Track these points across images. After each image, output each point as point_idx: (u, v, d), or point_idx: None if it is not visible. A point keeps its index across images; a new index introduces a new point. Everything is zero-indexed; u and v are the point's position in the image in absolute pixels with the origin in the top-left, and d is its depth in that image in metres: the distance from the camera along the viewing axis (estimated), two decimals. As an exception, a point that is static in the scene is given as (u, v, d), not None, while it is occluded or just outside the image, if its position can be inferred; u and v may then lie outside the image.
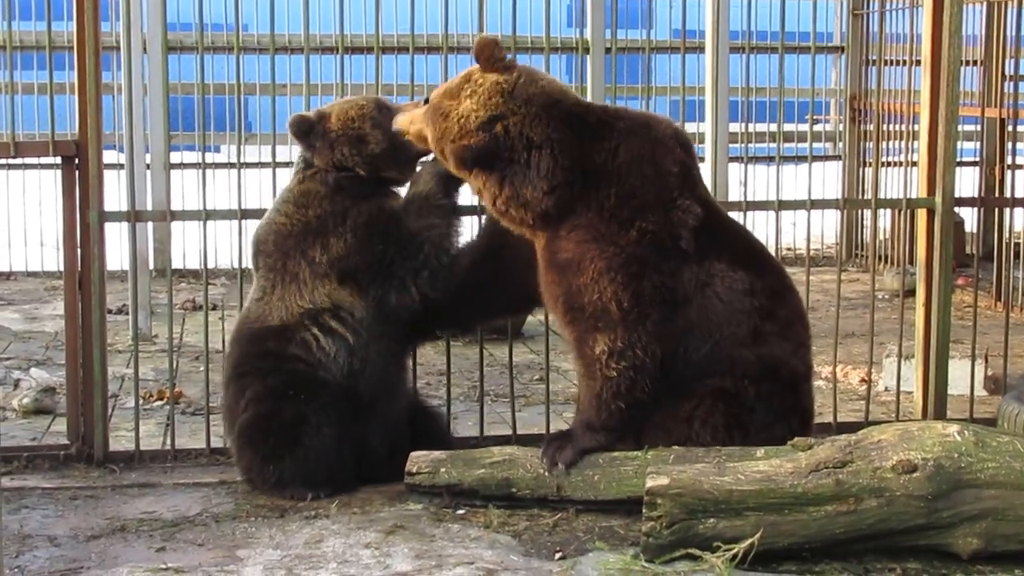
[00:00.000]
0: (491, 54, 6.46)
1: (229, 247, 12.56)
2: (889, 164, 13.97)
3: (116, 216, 7.45)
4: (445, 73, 7.87)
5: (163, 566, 5.87)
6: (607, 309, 6.32)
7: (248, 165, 10.11)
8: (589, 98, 10.80)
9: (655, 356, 6.36)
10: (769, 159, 15.11)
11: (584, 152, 6.40)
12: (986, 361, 8.85)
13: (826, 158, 16.11)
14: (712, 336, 6.41)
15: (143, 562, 5.93)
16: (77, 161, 7.21)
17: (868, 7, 14.62)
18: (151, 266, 11.69)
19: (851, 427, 7.04)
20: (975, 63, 13.88)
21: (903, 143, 13.18)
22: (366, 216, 6.77)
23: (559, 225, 6.42)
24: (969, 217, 13.37)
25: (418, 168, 6.99)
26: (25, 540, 6.21)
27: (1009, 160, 12.59)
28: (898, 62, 13.63)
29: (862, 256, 14.61)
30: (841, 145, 15.36)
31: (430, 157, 6.85)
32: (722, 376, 6.39)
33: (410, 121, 6.67)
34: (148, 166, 11.71)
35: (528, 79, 6.47)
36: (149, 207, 10.98)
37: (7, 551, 5.91)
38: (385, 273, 6.76)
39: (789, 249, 14.19)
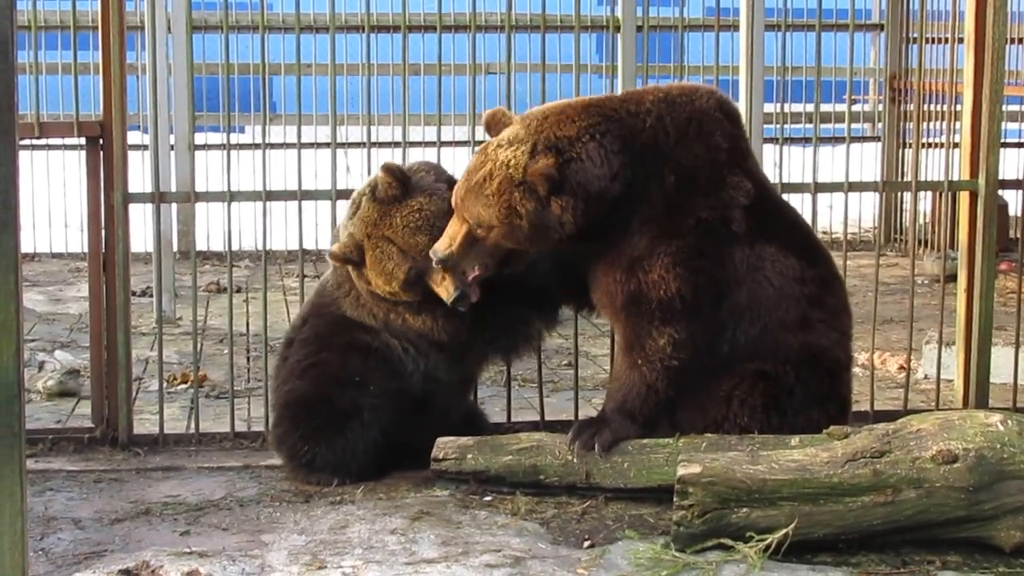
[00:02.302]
0: (501, 118, 6.37)
1: (253, 229, 12.55)
2: (930, 145, 13.86)
3: (140, 197, 7.42)
4: (473, 52, 7.77)
5: (187, 550, 5.84)
6: (672, 303, 6.26)
7: (273, 146, 10.14)
8: (620, 78, 10.73)
9: (706, 342, 6.35)
10: (805, 140, 15.02)
11: (626, 129, 6.27)
12: (1030, 348, 8.73)
13: (864, 139, 16.05)
14: (761, 319, 6.37)
15: (167, 545, 5.91)
16: (101, 142, 7.19)
17: (909, -17, 14.50)
18: (175, 248, 11.72)
19: (889, 416, 6.95)
20: (1021, 41, 13.73)
21: (944, 124, 13.05)
22: (444, 309, 6.62)
23: (631, 217, 6.29)
24: (1013, 200, 13.25)
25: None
26: (50, 522, 6.22)
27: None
28: (940, 40, 13.52)
29: (901, 240, 14.53)
30: (880, 126, 15.29)
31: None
32: (763, 359, 6.35)
33: (450, 240, 6.34)
34: (172, 147, 11.71)
35: (530, 110, 6.42)
36: (173, 188, 10.99)
37: (32, 533, 5.89)
38: (467, 349, 6.82)
39: (826, 232, 14.07)
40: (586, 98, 6.44)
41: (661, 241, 6.25)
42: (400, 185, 6.58)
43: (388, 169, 6.60)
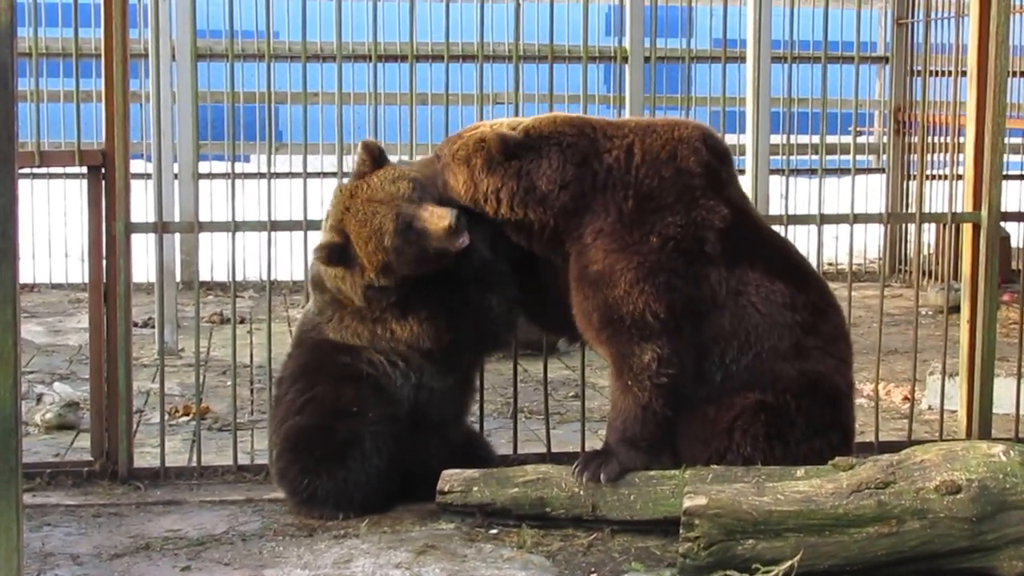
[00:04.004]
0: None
1: (258, 259, 12.53)
2: (934, 177, 13.90)
3: (143, 227, 7.43)
4: (480, 82, 7.78)
5: (188, 585, 5.83)
6: (643, 319, 6.30)
7: (278, 175, 10.12)
8: (627, 108, 10.77)
9: (693, 363, 6.36)
10: (811, 172, 15.06)
11: (594, 149, 6.47)
12: (1032, 379, 8.71)
13: (869, 171, 16.05)
14: (752, 348, 6.39)
15: (167, 581, 5.89)
16: (103, 171, 7.17)
17: (913, 16, 14.59)
18: (178, 278, 11.72)
19: (893, 446, 6.95)
20: (1023, 74, 13.75)
21: (948, 156, 13.10)
22: (427, 312, 6.64)
23: (581, 229, 6.43)
24: (1015, 232, 13.25)
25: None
26: (47, 558, 6.17)
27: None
28: (943, 73, 13.55)
29: (906, 271, 14.55)
30: (885, 158, 15.31)
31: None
32: (763, 390, 6.35)
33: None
34: (176, 176, 11.73)
35: None
36: (177, 218, 10.99)
37: (28, 570, 5.85)
38: (457, 350, 6.74)
39: (831, 264, 14.07)
40: (583, 115, 6.72)
41: (621, 256, 6.34)
42: (373, 161, 6.66)
43: (366, 145, 6.69)
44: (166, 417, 7.75)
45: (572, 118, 6.60)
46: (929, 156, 13.86)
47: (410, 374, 6.71)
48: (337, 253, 6.56)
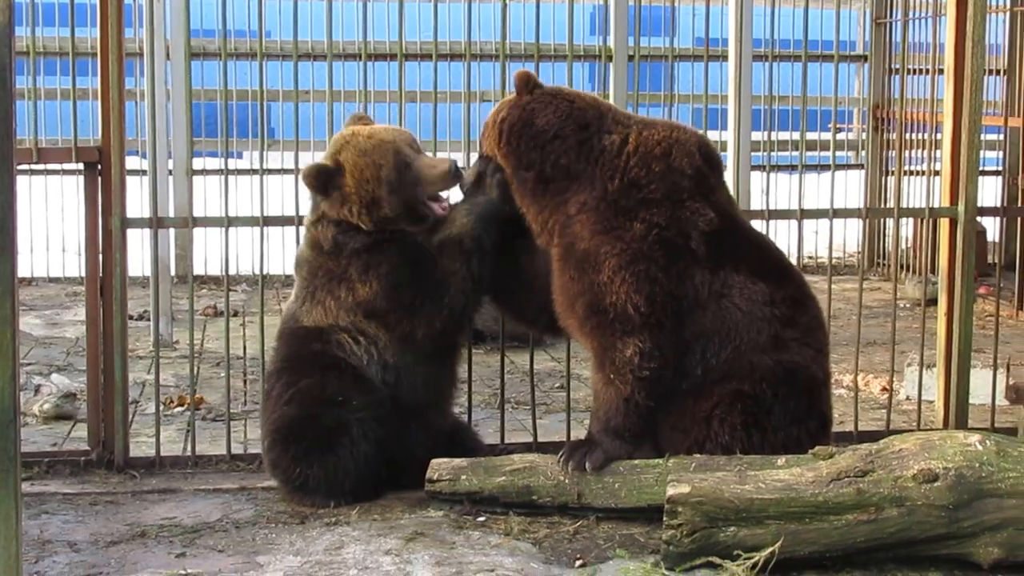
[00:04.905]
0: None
1: (251, 253, 12.51)
2: (912, 173, 13.91)
3: (138, 222, 7.43)
4: (468, 80, 7.86)
5: (183, 572, 5.88)
6: (626, 312, 6.36)
7: (271, 172, 10.16)
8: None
9: (674, 357, 6.43)
10: (792, 168, 15.09)
11: (598, 126, 6.61)
12: (1008, 370, 8.78)
13: (849, 167, 16.09)
14: (732, 342, 6.45)
15: (163, 568, 5.93)
16: (100, 167, 7.21)
17: (891, 16, 14.61)
18: (173, 272, 11.71)
19: (872, 436, 6.99)
20: (998, 72, 13.85)
21: (926, 152, 13.14)
22: (388, 266, 6.72)
23: (567, 195, 6.55)
24: (991, 227, 13.35)
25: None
26: (45, 545, 6.23)
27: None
28: (921, 71, 13.59)
29: (884, 265, 14.57)
30: (864, 154, 15.31)
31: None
32: (740, 380, 6.42)
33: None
34: (171, 172, 11.73)
35: None
36: (171, 213, 10.99)
37: (27, 557, 5.91)
38: (411, 314, 6.75)
39: (811, 258, 14.15)
40: (603, 100, 6.98)
41: (607, 238, 6.43)
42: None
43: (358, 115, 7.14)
44: (161, 407, 7.78)
45: (594, 96, 6.83)
46: (907, 152, 13.85)
47: (372, 351, 6.74)
48: (324, 176, 6.75)
